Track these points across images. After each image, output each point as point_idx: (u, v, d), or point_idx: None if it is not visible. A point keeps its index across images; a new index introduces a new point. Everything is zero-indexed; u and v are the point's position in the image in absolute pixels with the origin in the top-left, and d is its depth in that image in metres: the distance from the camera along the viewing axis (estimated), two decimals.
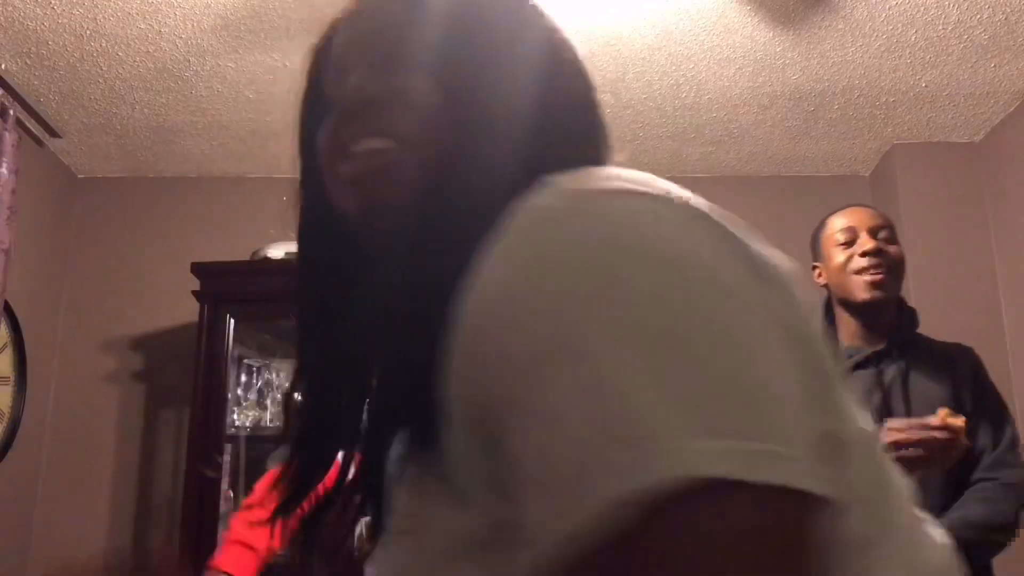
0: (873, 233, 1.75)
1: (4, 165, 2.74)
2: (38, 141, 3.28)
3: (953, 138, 3.38)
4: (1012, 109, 3.14)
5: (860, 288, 1.72)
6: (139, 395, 3.44)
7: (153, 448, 3.39)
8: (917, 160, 3.39)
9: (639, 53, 2.77)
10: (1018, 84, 2.96)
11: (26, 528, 3.27)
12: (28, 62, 2.80)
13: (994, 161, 3.30)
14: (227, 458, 2.94)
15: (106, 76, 2.89)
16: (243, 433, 3.01)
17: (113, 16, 2.56)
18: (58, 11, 2.54)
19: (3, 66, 2.82)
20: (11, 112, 2.81)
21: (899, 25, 2.62)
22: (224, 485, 2.91)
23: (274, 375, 3.08)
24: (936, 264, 3.28)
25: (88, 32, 2.64)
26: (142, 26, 2.61)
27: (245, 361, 3.10)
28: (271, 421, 3.04)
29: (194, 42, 2.70)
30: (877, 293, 1.71)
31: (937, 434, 1.47)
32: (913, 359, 1.72)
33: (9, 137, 2.77)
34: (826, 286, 1.82)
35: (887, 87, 2.97)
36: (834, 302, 1.80)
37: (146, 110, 3.12)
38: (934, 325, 3.25)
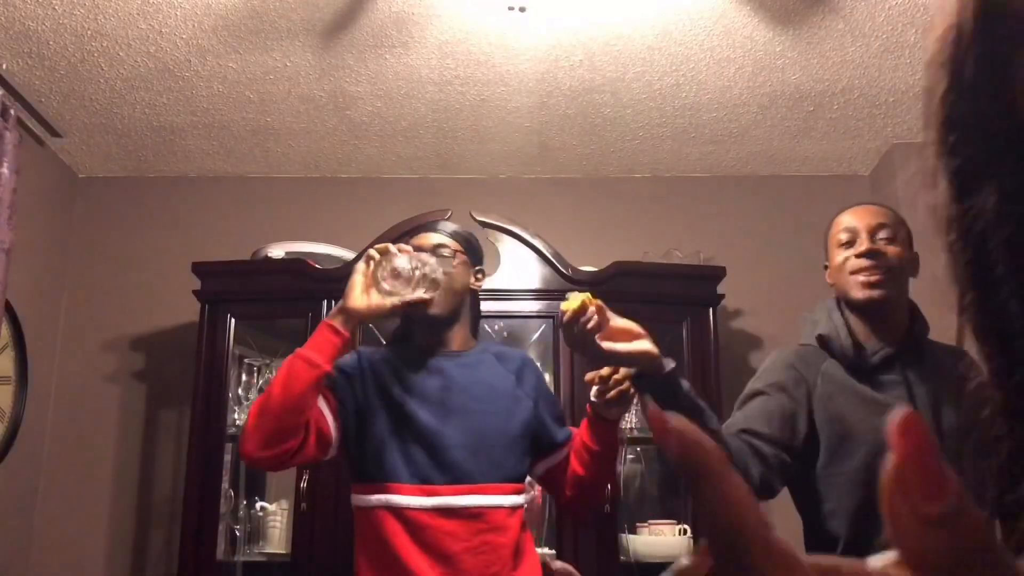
0: (872, 233, 1.73)
1: (5, 165, 2.74)
2: (39, 141, 3.29)
3: None
4: None
5: (855, 288, 1.72)
6: (139, 395, 3.44)
7: (153, 448, 3.40)
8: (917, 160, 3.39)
9: (639, 53, 2.77)
10: None
11: (26, 528, 3.27)
12: (29, 62, 2.81)
13: None
14: (227, 458, 2.94)
15: (107, 76, 2.89)
16: None
17: (114, 16, 2.57)
18: (59, 11, 2.54)
19: (4, 66, 2.82)
20: (12, 112, 2.81)
21: (899, 25, 2.62)
22: (224, 485, 2.91)
23: (274, 375, 3.07)
24: (935, 264, 3.28)
25: (89, 32, 2.64)
26: (143, 26, 2.62)
27: (245, 361, 3.10)
28: None
29: (195, 42, 2.70)
30: (872, 293, 1.70)
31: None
32: (936, 370, 1.70)
33: (10, 137, 2.77)
34: (833, 286, 1.82)
35: (887, 87, 2.98)
36: (841, 302, 1.80)
37: (147, 110, 3.12)
38: (934, 325, 3.26)
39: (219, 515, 2.86)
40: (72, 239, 3.59)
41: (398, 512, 1.76)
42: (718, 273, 3.05)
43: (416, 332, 1.96)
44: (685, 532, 2.82)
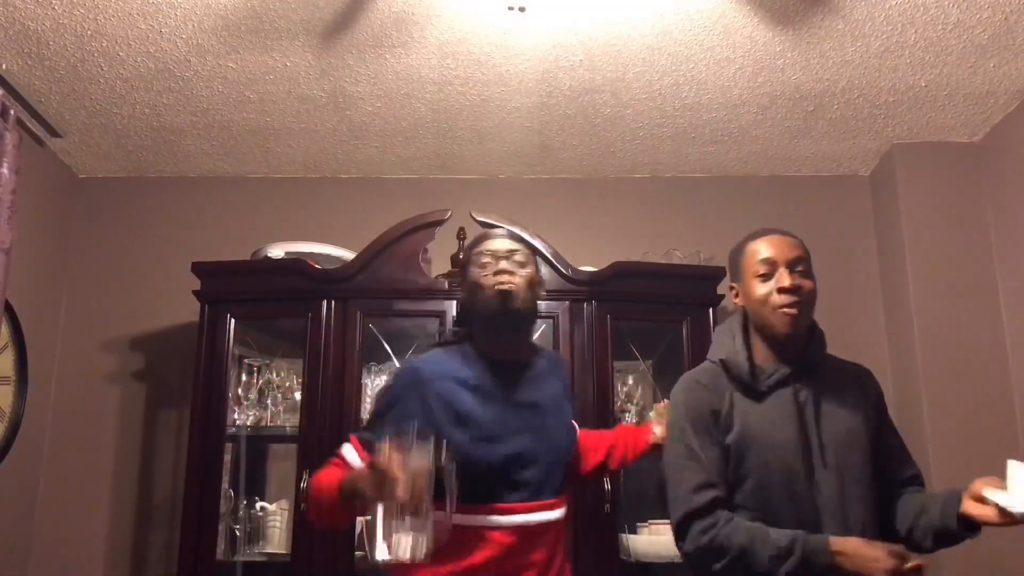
0: (791, 267, 1.81)
1: (5, 165, 2.74)
2: (39, 141, 3.29)
3: (953, 138, 3.38)
4: (1012, 109, 3.14)
5: (780, 324, 1.79)
6: (139, 395, 3.44)
7: (153, 448, 3.39)
8: (917, 160, 3.39)
9: (639, 53, 2.77)
10: (1018, 84, 2.97)
11: (26, 528, 3.27)
12: (29, 62, 2.81)
13: (994, 161, 3.30)
14: (227, 458, 2.94)
15: (107, 76, 2.89)
16: (243, 433, 3.01)
17: (114, 16, 2.57)
18: (59, 11, 2.54)
19: (4, 66, 2.82)
20: (12, 112, 2.81)
21: (899, 25, 2.62)
22: (224, 485, 2.91)
23: (274, 375, 3.08)
24: (935, 263, 3.28)
25: (89, 32, 2.64)
26: (143, 26, 2.62)
27: (245, 361, 3.10)
28: (271, 421, 3.04)
29: (195, 42, 2.70)
30: (793, 327, 1.79)
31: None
32: (823, 380, 1.83)
33: (10, 137, 2.77)
34: (743, 307, 1.89)
35: (887, 87, 2.98)
36: (751, 325, 1.88)
37: (147, 110, 3.12)
38: (934, 324, 3.27)
39: (219, 515, 2.86)
40: (72, 239, 3.59)
41: (474, 530, 1.75)
42: (718, 273, 3.05)
43: (485, 335, 1.88)
44: None
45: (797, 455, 1.72)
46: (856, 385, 1.87)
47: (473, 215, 3.01)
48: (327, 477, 1.75)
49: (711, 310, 3.00)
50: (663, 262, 3.16)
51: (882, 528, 1.77)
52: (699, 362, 2.96)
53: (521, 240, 1.95)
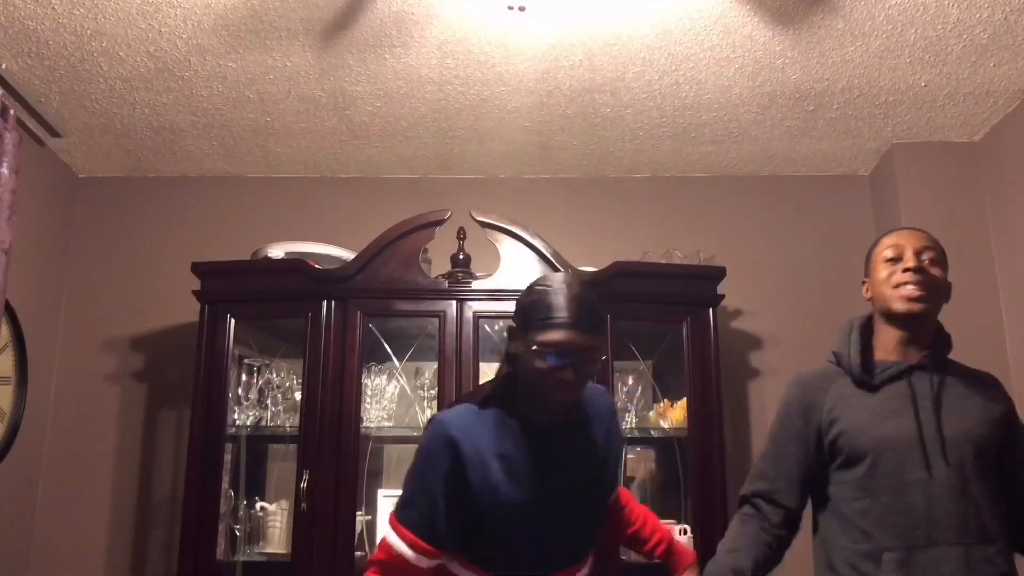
0: (918, 253, 1.85)
1: (5, 165, 2.74)
2: (39, 141, 3.29)
3: (953, 138, 3.38)
4: (1012, 109, 3.14)
5: (897, 300, 1.82)
6: (139, 395, 3.44)
7: (153, 448, 3.39)
8: (917, 160, 3.39)
9: (639, 53, 2.77)
10: (1018, 84, 2.97)
11: (26, 528, 3.27)
12: (29, 62, 2.81)
13: (994, 160, 3.30)
14: (227, 458, 2.94)
15: (107, 76, 2.89)
16: (243, 433, 3.01)
17: (114, 16, 2.57)
18: (59, 11, 2.54)
19: (4, 66, 2.82)
20: (12, 112, 2.81)
21: (899, 25, 2.62)
22: (224, 485, 2.91)
23: (274, 375, 3.08)
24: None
25: (89, 32, 2.64)
26: (142, 26, 2.62)
27: (245, 361, 3.10)
28: (271, 421, 3.04)
29: (194, 42, 2.70)
30: (913, 306, 1.81)
31: None
32: (947, 380, 1.83)
33: (10, 137, 2.77)
34: (871, 299, 1.93)
35: (887, 87, 2.97)
36: (875, 316, 1.92)
37: (147, 110, 3.12)
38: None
39: (219, 515, 2.86)
40: (72, 239, 3.59)
41: None
42: (718, 273, 3.05)
43: (529, 406, 1.70)
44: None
45: (912, 447, 1.72)
46: (984, 390, 1.85)
47: (473, 215, 3.01)
48: None
49: (711, 310, 3.00)
50: (663, 262, 3.16)
51: (1011, 539, 1.76)
52: (699, 362, 3.00)
53: (597, 325, 1.65)
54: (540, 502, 1.67)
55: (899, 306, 1.82)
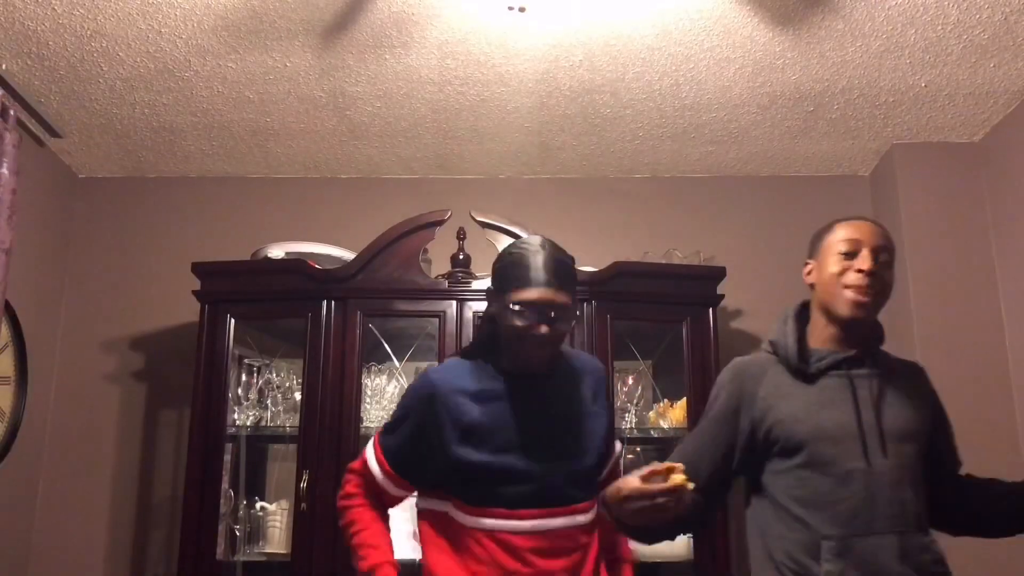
0: (876, 253, 1.78)
1: (5, 165, 2.74)
2: (39, 141, 3.29)
3: (953, 138, 3.38)
4: (1012, 109, 3.14)
5: (845, 304, 1.76)
6: (139, 395, 3.44)
7: (153, 448, 3.39)
8: (917, 160, 3.39)
9: (639, 53, 2.77)
10: (1018, 84, 2.97)
11: (26, 528, 3.27)
12: (29, 62, 2.81)
13: (994, 161, 3.30)
14: (227, 458, 2.94)
15: (107, 76, 2.89)
16: (243, 433, 3.01)
17: (113, 16, 2.57)
18: (59, 11, 2.54)
19: (4, 66, 2.82)
20: (12, 112, 2.81)
21: (899, 25, 2.62)
22: (224, 485, 2.91)
23: (274, 375, 3.08)
24: (936, 264, 3.28)
25: (89, 32, 2.64)
26: (142, 26, 2.62)
27: (245, 361, 3.10)
28: (271, 421, 3.04)
29: (194, 42, 2.70)
30: (859, 313, 1.76)
31: (662, 499, 1.55)
32: (881, 372, 1.80)
33: (10, 137, 2.77)
34: (812, 285, 1.86)
35: (887, 87, 2.97)
36: (814, 304, 1.86)
37: (147, 110, 3.12)
38: (934, 325, 3.26)
39: (219, 515, 2.86)
40: (72, 239, 3.59)
41: (490, 534, 1.74)
42: (718, 273, 3.05)
43: (508, 359, 1.84)
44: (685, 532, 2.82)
45: (850, 437, 1.70)
46: (913, 381, 1.85)
47: (473, 215, 3.01)
48: (365, 524, 1.86)
49: (711, 310, 3.00)
50: (663, 262, 3.16)
51: (935, 518, 1.77)
52: (699, 362, 3.00)
53: (566, 282, 1.79)
54: (519, 438, 1.77)
55: (845, 311, 1.75)
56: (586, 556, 1.82)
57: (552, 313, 1.74)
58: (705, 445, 1.79)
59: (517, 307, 1.74)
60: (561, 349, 1.90)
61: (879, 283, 1.76)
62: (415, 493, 1.90)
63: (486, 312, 1.93)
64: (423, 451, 1.80)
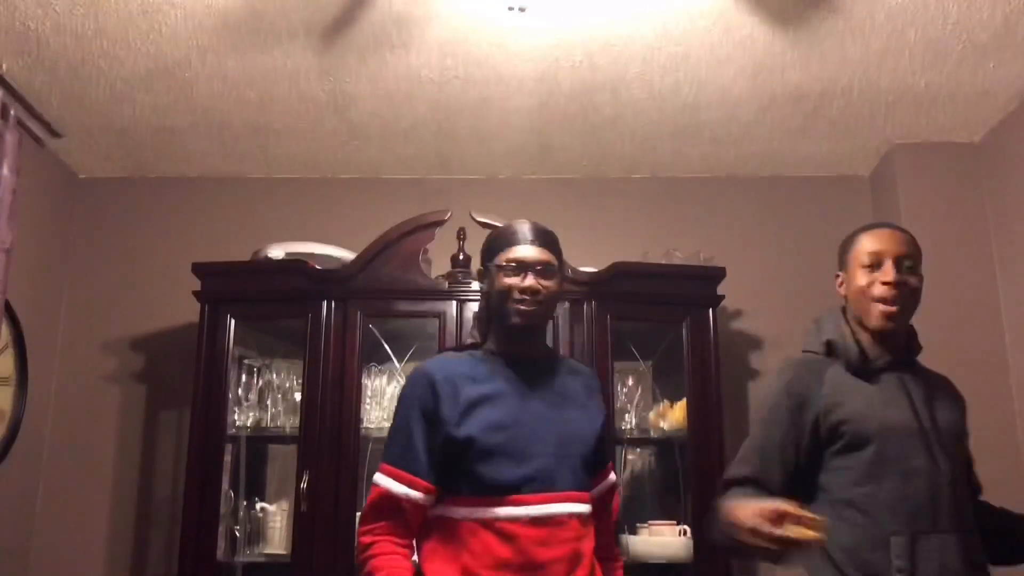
0: (899, 263, 1.82)
1: (5, 165, 2.74)
2: (39, 141, 3.28)
3: (953, 138, 3.38)
4: (1012, 109, 3.14)
5: (874, 316, 1.81)
6: (139, 395, 3.44)
7: (153, 448, 3.39)
8: (917, 160, 3.39)
9: (639, 53, 2.77)
10: (1018, 84, 2.96)
11: (26, 528, 3.27)
12: (29, 62, 2.81)
13: (994, 161, 3.30)
14: (227, 458, 2.94)
15: (107, 76, 2.89)
16: (243, 433, 3.01)
17: (114, 16, 2.57)
18: (59, 12, 2.54)
19: (4, 66, 2.82)
20: (12, 112, 2.81)
21: (899, 25, 2.62)
22: (224, 485, 2.91)
23: (274, 375, 3.07)
24: (935, 263, 3.26)
25: (89, 32, 2.64)
26: (143, 26, 2.62)
27: (245, 361, 3.10)
28: (271, 421, 3.04)
29: (194, 42, 2.70)
30: (889, 324, 1.81)
31: (779, 547, 1.49)
32: (924, 376, 1.87)
33: (10, 137, 2.77)
34: (845, 296, 1.91)
35: (887, 87, 2.97)
36: (849, 312, 1.90)
37: (147, 110, 3.12)
38: (934, 325, 3.25)
39: (219, 515, 2.86)
40: (72, 239, 3.59)
41: (487, 523, 1.74)
42: (718, 273, 3.05)
43: (501, 340, 1.90)
44: (685, 532, 2.82)
45: (913, 435, 1.74)
46: (948, 390, 1.91)
47: (473, 215, 3.01)
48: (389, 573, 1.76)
49: (711, 310, 3.00)
50: (663, 262, 3.16)
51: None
52: (699, 362, 3.00)
53: (549, 243, 1.91)
54: (516, 417, 1.79)
55: (876, 323, 1.81)
56: (583, 550, 1.81)
57: (539, 268, 1.85)
58: (772, 450, 1.78)
59: (504, 264, 1.85)
60: (555, 350, 1.95)
61: (905, 291, 1.80)
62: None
63: (480, 294, 2.03)
64: (431, 437, 1.78)
